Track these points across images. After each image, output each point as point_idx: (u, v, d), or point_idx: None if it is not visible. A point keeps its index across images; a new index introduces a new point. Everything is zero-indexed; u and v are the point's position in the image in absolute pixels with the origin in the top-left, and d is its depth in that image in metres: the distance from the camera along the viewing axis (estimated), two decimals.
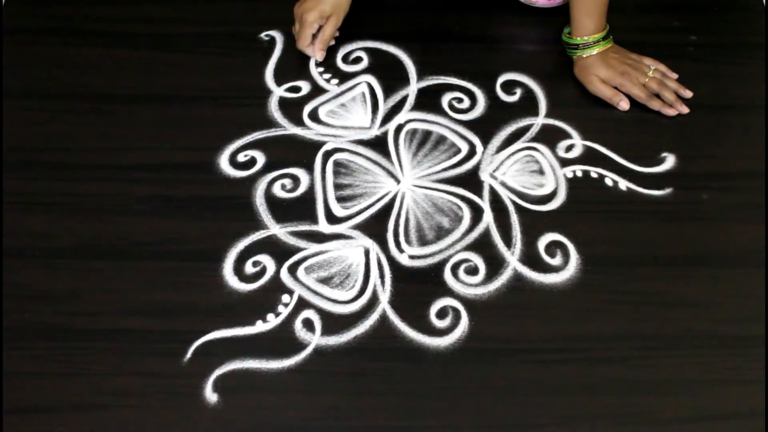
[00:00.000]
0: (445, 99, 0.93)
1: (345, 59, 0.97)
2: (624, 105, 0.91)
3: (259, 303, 0.77)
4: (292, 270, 0.79)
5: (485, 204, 0.84)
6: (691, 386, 0.73)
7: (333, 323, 0.76)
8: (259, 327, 0.75)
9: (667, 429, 0.70)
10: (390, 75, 0.95)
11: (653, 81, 0.91)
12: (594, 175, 0.87)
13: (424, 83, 0.94)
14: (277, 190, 0.85)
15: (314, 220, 0.83)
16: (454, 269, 0.79)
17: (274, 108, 0.92)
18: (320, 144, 0.89)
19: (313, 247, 0.81)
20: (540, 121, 0.91)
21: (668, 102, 0.91)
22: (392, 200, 0.85)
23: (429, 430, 0.70)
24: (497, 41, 0.99)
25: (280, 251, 0.80)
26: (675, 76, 0.93)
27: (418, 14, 1.01)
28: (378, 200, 0.85)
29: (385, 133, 0.90)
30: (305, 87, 0.94)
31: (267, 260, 0.79)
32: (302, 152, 0.88)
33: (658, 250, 0.81)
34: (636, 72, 0.91)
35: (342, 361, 0.73)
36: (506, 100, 0.93)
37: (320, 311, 0.76)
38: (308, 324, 0.76)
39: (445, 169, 0.87)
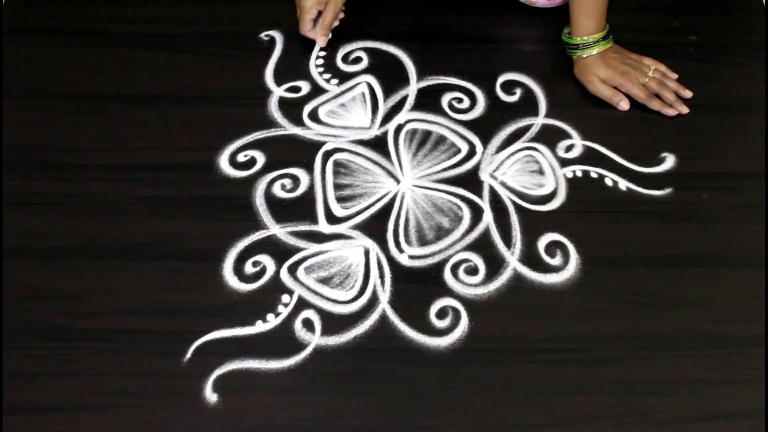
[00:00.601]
0: (445, 99, 0.93)
1: (345, 59, 0.97)
2: (624, 105, 0.91)
3: (258, 303, 0.77)
4: (292, 270, 0.79)
5: (485, 204, 0.84)
6: (691, 386, 0.73)
7: (333, 323, 0.76)
8: (259, 327, 0.75)
9: (667, 429, 0.70)
10: (390, 75, 0.95)
11: (653, 81, 0.91)
12: (594, 175, 0.87)
13: (424, 83, 0.94)
14: (277, 190, 0.85)
15: (314, 220, 0.83)
16: (454, 269, 0.79)
17: (274, 108, 0.92)
18: (320, 144, 0.89)
19: (313, 247, 0.81)
20: (540, 121, 0.91)
21: (668, 102, 0.91)
22: (392, 200, 0.85)
23: (429, 430, 0.70)
24: (497, 41, 0.99)
25: (280, 251, 0.80)
26: (675, 76, 0.93)
27: (418, 14, 1.01)
28: (378, 200, 0.85)
29: (385, 133, 0.90)
30: (305, 87, 0.94)
31: (267, 260, 0.79)
32: (302, 152, 0.88)
33: (658, 250, 0.81)
34: (636, 72, 0.91)
35: (342, 361, 0.73)
36: (506, 100, 0.93)
37: (320, 311, 0.76)
38: (308, 324, 0.76)
39: (445, 169, 0.87)
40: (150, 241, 0.81)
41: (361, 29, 0.98)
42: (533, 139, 0.89)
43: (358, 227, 0.82)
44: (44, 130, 0.89)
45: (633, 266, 0.80)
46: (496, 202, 0.84)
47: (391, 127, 0.91)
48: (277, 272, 0.79)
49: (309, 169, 0.87)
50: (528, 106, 0.92)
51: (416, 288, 0.78)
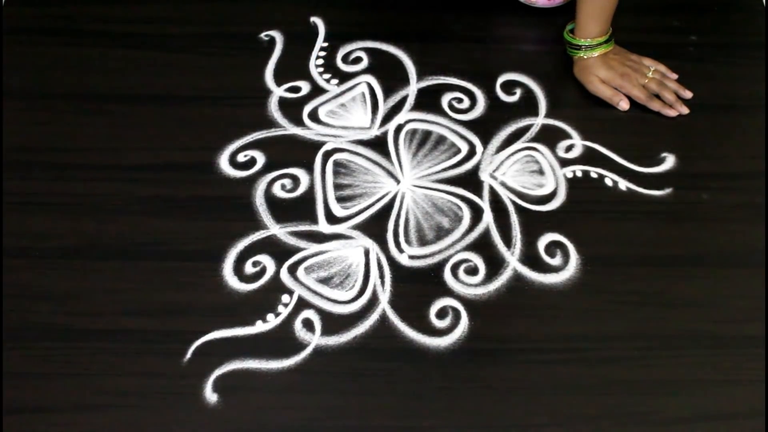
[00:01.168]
0: (445, 99, 0.93)
1: (345, 59, 0.97)
2: (624, 105, 0.91)
3: (258, 303, 0.77)
4: (292, 270, 0.79)
5: (485, 204, 0.84)
6: (691, 386, 0.73)
7: (333, 323, 0.76)
8: (259, 327, 0.75)
9: (667, 429, 0.70)
10: (390, 75, 0.95)
11: (653, 82, 0.91)
12: (594, 175, 0.87)
13: (423, 83, 0.94)
14: (277, 190, 0.85)
15: (314, 220, 0.83)
16: (454, 269, 0.79)
17: (273, 108, 0.92)
18: (320, 144, 0.89)
19: (313, 247, 0.81)
20: (540, 121, 0.91)
21: (668, 102, 0.91)
22: (392, 200, 0.85)
23: (429, 430, 0.70)
24: (497, 41, 0.99)
25: (280, 251, 0.80)
26: (675, 76, 0.93)
27: (418, 14, 1.01)
28: (378, 200, 0.85)
29: (385, 133, 0.90)
30: (305, 87, 0.94)
31: (267, 260, 0.79)
32: (302, 152, 0.88)
33: (658, 250, 0.81)
34: (636, 73, 0.91)
35: (342, 361, 0.73)
36: (506, 100, 0.93)
37: (320, 311, 0.76)
38: (308, 324, 0.76)
39: (444, 169, 0.87)
40: (150, 241, 0.81)
41: (361, 29, 0.98)
42: (533, 139, 0.89)
43: (358, 227, 0.82)
44: (44, 130, 0.89)
45: (633, 266, 0.80)
46: (496, 202, 0.84)
47: (391, 127, 0.91)
48: (277, 272, 0.79)
49: (309, 169, 0.87)
50: (528, 106, 0.92)
51: (416, 288, 0.78)
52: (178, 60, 0.96)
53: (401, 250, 0.81)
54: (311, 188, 0.85)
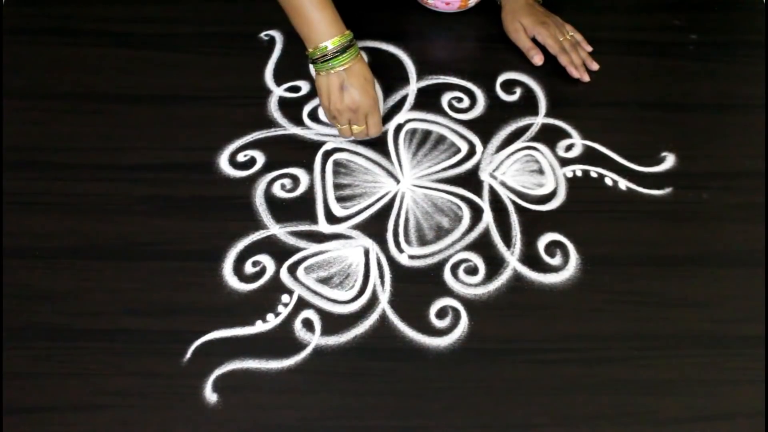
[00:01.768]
0: (445, 98, 0.93)
1: None
2: (537, 60, 0.95)
3: (258, 303, 0.77)
4: (292, 270, 0.79)
5: (485, 204, 0.84)
6: (691, 386, 0.73)
7: (333, 323, 0.76)
8: (259, 327, 0.75)
9: (667, 429, 0.70)
10: (390, 74, 0.95)
11: (567, 42, 0.95)
12: (594, 174, 0.87)
13: (423, 83, 0.94)
14: (277, 190, 0.85)
15: (314, 220, 0.83)
16: (454, 269, 0.79)
17: (273, 108, 0.92)
18: (320, 144, 0.89)
19: (313, 247, 0.81)
20: (540, 120, 0.91)
21: (575, 63, 0.94)
22: (392, 200, 0.85)
23: (429, 430, 0.70)
24: (497, 41, 0.99)
25: (279, 251, 0.80)
26: (589, 48, 0.97)
27: (418, 14, 1.01)
28: (378, 200, 0.85)
29: (385, 133, 0.90)
30: (305, 87, 0.94)
31: (267, 260, 0.79)
32: (302, 152, 0.88)
33: (658, 250, 0.81)
34: (555, 28, 0.95)
35: (342, 361, 0.73)
36: (506, 100, 0.93)
37: (320, 311, 0.76)
38: (308, 324, 0.76)
39: (444, 169, 0.87)
40: (150, 241, 0.81)
41: (361, 29, 0.98)
42: (533, 139, 0.89)
43: (357, 227, 0.82)
44: (44, 130, 0.89)
45: (633, 266, 0.80)
46: (496, 201, 0.84)
47: (390, 126, 0.91)
48: (277, 272, 0.79)
49: (309, 168, 0.87)
50: (528, 105, 0.92)
51: (416, 288, 0.78)
52: (178, 60, 0.96)
53: (401, 250, 0.81)
54: (311, 188, 0.85)
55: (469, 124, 0.91)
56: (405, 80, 0.94)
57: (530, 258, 0.80)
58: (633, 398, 0.72)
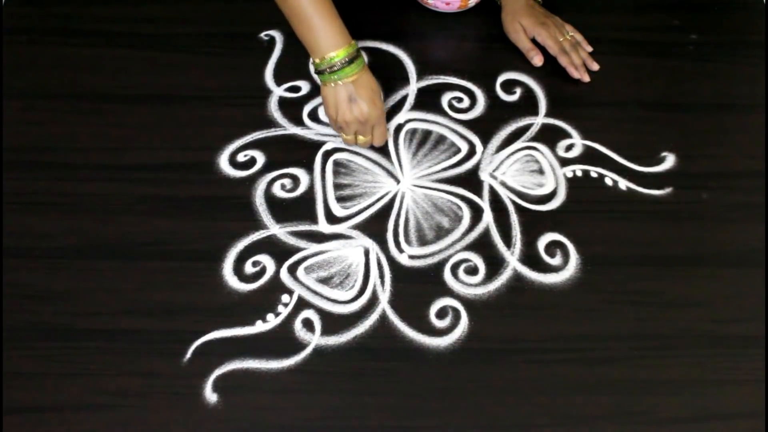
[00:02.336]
0: (445, 98, 0.93)
1: None
2: (537, 61, 0.95)
3: (258, 303, 0.77)
4: (292, 270, 0.79)
5: (485, 204, 0.84)
6: (691, 386, 0.73)
7: (333, 323, 0.76)
8: (259, 327, 0.75)
9: (667, 429, 0.70)
10: (390, 74, 0.95)
11: (567, 42, 0.95)
12: (594, 174, 0.87)
13: (423, 83, 0.94)
14: (277, 190, 0.85)
15: (314, 220, 0.83)
16: (454, 269, 0.79)
17: (273, 108, 0.92)
18: (320, 144, 0.89)
19: (313, 247, 0.81)
20: (540, 120, 0.91)
21: (575, 64, 0.94)
22: (392, 200, 0.85)
23: (429, 430, 0.70)
24: (497, 41, 0.99)
25: (279, 251, 0.80)
26: (589, 48, 0.97)
27: (418, 14, 1.01)
28: (378, 200, 0.85)
29: None
30: (305, 87, 0.94)
31: (267, 260, 0.79)
32: (302, 152, 0.88)
33: (658, 250, 0.81)
34: (555, 28, 0.95)
35: (342, 361, 0.73)
36: (506, 100, 0.93)
37: (320, 311, 0.76)
38: (308, 324, 0.76)
39: (444, 169, 0.87)
40: (150, 241, 0.81)
41: (361, 29, 0.98)
42: (533, 139, 0.89)
43: (358, 227, 0.82)
44: (44, 130, 0.89)
45: (633, 266, 0.80)
46: (496, 201, 0.84)
47: (391, 126, 0.91)
48: (277, 272, 0.79)
49: (309, 168, 0.87)
50: (528, 105, 0.92)
51: (416, 288, 0.78)
52: (178, 60, 0.96)
53: (401, 250, 0.81)
54: (311, 188, 0.85)
55: (469, 124, 0.91)
56: (405, 80, 0.94)
57: (530, 258, 0.80)
58: (632, 398, 0.72)
